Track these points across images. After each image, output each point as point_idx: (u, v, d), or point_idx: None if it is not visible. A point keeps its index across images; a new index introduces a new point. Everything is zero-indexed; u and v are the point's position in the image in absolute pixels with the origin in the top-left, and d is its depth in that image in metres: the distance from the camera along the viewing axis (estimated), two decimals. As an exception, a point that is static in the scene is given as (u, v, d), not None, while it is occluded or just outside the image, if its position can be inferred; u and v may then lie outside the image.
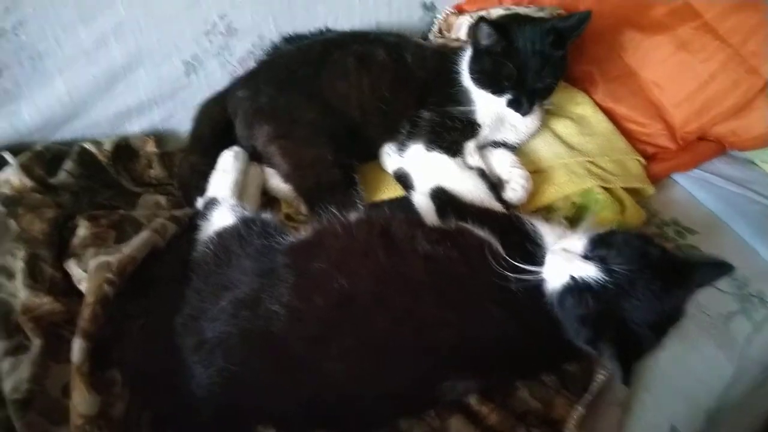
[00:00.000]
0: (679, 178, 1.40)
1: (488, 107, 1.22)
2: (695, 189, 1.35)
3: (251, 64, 1.38)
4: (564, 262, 0.84)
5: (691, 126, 1.35)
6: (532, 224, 0.98)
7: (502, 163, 1.23)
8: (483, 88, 1.19)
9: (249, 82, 1.30)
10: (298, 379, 0.79)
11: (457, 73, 1.24)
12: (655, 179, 1.34)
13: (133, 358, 0.86)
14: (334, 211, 0.96)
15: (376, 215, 0.96)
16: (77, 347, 0.77)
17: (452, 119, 1.21)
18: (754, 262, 1.20)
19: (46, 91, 1.18)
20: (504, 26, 1.14)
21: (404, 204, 1.16)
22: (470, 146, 1.22)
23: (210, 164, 1.19)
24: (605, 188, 1.21)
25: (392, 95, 1.24)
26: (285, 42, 1.40)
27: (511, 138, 1.28)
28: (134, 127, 1.33)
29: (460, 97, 1.22)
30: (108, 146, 1.23)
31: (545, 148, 1.30)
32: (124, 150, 1.26)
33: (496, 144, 1.28)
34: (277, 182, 1.23)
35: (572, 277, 0.83)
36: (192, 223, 1.08)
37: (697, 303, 1.02)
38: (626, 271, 0.80)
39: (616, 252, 0.82)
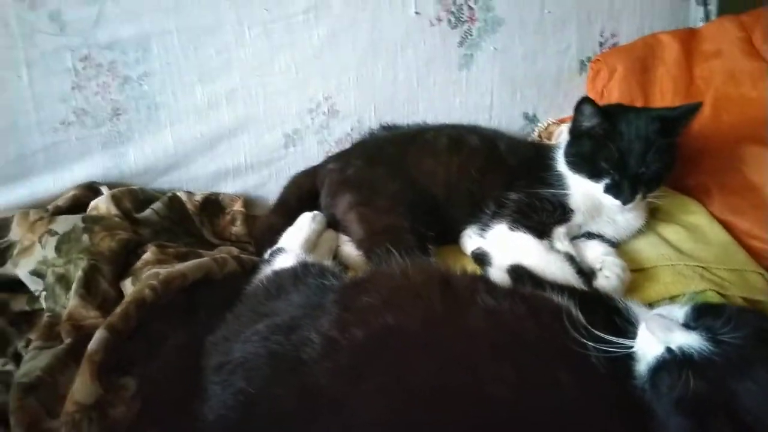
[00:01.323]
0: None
1: (583, 193, 1.14)
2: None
3: (347, 146, 1.45)
4: (659, 329, 0.69)
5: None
6: (623, 302, 0.85)
7: (596, 251, 1.12)
8: (579, 173, 1.13)
9: (341, 157, 1.35)
10: (319, 413, 0.68)
11: (552, 159, 1.21)
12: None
13: (154, 374, 0.80)
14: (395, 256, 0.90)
15: (438, 263, 0.88)
16: (97, 336, 0.74)
17: (541, 200, 1.14)
18: None
19: (156, 139, 1.31)
20: (607, 110, 1.10)
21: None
22: (560, 231, 1.13)
23: (288, 225, 1.21)
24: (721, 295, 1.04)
25: (481, 176, 1.22)
26: (382, 129, 1.47)
27: (609, 232, 1.17)
28: (228, 188, 1.41)
29: (552, 180, 1.17)
30: (198, 197, 1.30)
31: (649, 249, 1.17)
32: (213, 204, 1.32)
33: (592, 236, 1.18)
34: (349, 249, 1.21)
35: (669, 349, 0.68)
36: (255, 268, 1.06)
37: None
38: (739, 342, 0.63)
39: (726, 321, 0.66)
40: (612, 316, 0.80)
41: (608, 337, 0.73)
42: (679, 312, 0.72)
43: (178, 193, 1.29)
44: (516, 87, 1.58)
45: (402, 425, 0.66)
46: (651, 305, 1.03)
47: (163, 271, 0.88)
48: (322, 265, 0.97)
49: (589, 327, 0.75)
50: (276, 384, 0.71)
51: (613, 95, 1.51)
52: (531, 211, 1.13)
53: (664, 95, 1.50)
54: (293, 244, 1.12)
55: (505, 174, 1.23)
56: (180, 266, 0.90)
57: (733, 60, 1.39)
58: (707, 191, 1.34)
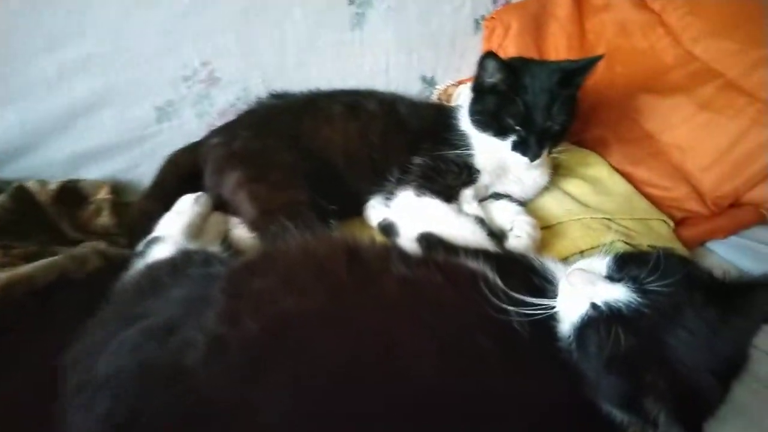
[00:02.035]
0: (717, 246, 1.21)
1: (489, 152, 1.09)
2: (738, 257, 1.16)
3: (232, 118, 1.30)
4: (582, 283, 0.64)
5: (723, 190, 1.20)
6: (540, 261, 0.80)
7: (505, 212, 1.08)
8: (484, 131, 1.08)
9: (226, 129, 1.21)
10: (214, 425, 0.57)
11: (455, 119, 1.15)
12: (687, 247, 1.16)
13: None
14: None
15: (342, 234, 0.79)
16: None
17: (446, 162, 1.08)
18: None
19: (-7, 119, 1.09)
20: (511, 64, 1.05)
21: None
22: (467, 193, 1.08)
23: (166, 211, 1.06)
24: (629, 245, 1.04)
25: (382, 142, 1.14)
26: (272, 97, 1.34)
27: (516, 191, 1.14)
28: (92, 173, 1.21)
29: (456, 140, 1.11)
30: (53, 186, 1.11)
31: (555, 205, 1.15)
32: (71, 193, 1.13)
33: (499, 197, 1.14)
34: (241, 232, 1.08)
35: (594, 305, 0.64)
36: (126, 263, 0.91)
37: (754, 373, 0.81)
38: (668, 290, 0.60)
39: (652, 269, 0.62)
40: (529, 277, 0.76)
41: (528, 299, 0.68)
42: (601, 264, 0.68)
43: (28, 183, 1.09)
44: (412, 48, 1.51)
45: (319, 414, 0.56)
46: (563, 262, 1.01)
47: (3, 275, 0.71)
48: (207, 252, 0.84)
49: (508, 290, 0.69)
50: (152, 401, 0.59)
51: (510, 53, 1.48)
52: (436, 174, 1.07)
53: (558, 50, 1.50)
54: (172, 231, 0.97)
55: (408, 138, 1.15)
56: (25, 268, 0.74)
57: (622, 12, 1.41)
58: (605, 143, 1.35)
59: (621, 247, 1.03)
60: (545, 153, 1.07)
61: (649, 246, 1.05)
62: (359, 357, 0.59)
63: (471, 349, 0.62)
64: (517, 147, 1.05)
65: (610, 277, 0.65)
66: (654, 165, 1.27)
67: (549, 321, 0.69)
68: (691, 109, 1.25)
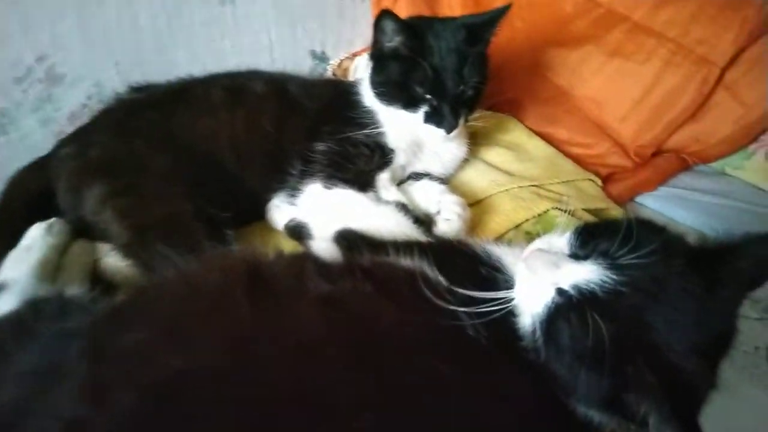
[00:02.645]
0: (647, 200, 1.17)
1: (400, 128, 0.97)
2: (670, 208, 1.13)
3: (85, 121, 1.08)
4: (543, 267, 0.53)
5: (645, 138, 1.17)
6: (481, 245, 0.69)
7: (429, 193, 0.96)
8: (392, 104, 0.95)
9: (79, 136, 0.99)
10: None
11: (357, 94, 1.01)
12: (618, 204, 1.11)
13: None
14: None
15: (241, 252, 0.63)
16: None
17: (354, 145, 0.94)
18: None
19: None
20: (411, 24, 0.93)
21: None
22: (383, 178, 0.95)
23: (13, 247, 0.84)
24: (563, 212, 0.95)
25: (275, 129, 0.98)
26: (133, 91, 1.12)
27: (436, 168, 1.02)
28: None
29: (361, 118, 0.97)
30: None
31: (479, 178, 1.05)
32: None
33: (419, 177, 1.02)
34: (112, 262, 0.88)
35: (560, 291, 0.53)
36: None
37: None
38: (645, 262, 0.50)
39: (624, 240, 0.52)
40: (474, 267, 0.64)
41: (479, 294, 0.56)
42: (560, 241, 0.58)
43: None
44: (295, 20, 1.35)
45: None
46: (501, 240, 0.91)
47: None
48: (63, 298, 0.65)
49: (454, 288, 0.57)
50: None
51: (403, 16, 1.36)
52: (345, 160, 0.93)
53: (453, 10, 1.40)
54: (18, 274, 0.77)
55: (305, 122, 1.00)
56: None
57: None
58: (519, 105, 1.27)
59: (556, 215, 0.94)
60: (462, 122, 0.95)
61: (584, 209, 0.98)
62: (276, 427, 0.44)
63: (425, 377, 0.49)
64: (430, 118, 0.93)
65: (575, 255, 0.55)
66: (572, 122, 1.21)
67: (508, 317, 0.58)
68: (601, 59, 1.20)
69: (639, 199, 1.17)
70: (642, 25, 1.16)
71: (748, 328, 0.82)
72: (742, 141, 1.14)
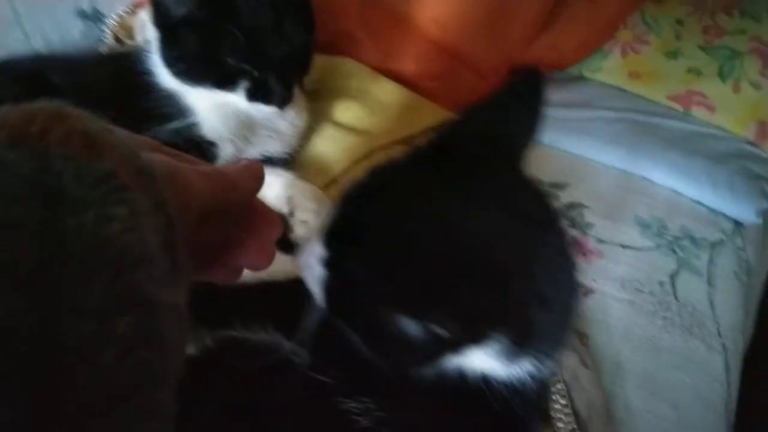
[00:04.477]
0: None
1: (219, 112, 0.78)
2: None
3: None
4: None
5: (498, 57, 1.07)
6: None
7: (271, 188, 0.80)
8: (199, 83, 0.75)
9: None
10: None
11: (149, 74, 0.78)
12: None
13: None
14: None
15: None
16: None
17: (161, 149, 0.73)
18: (654, 193, 0.93)
19: None
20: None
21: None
22: (211, 182, 0.76)
23: None
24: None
25: None
26: None
27: (274, 148, 0.85)
28: None
29: (163, 108, 0.76)
30: None
31: (332, 148, 0.91)
32: None
33: (256, 165, 0.84)
34: None
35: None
36: None
37: (623, 280, 0.73)
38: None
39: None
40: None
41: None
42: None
43: None
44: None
45: None
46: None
47: None
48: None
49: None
50: None
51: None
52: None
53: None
54: None
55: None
56: None
57: None
58: (355, 42, 1.11)
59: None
60: (296, 90, 0.79)
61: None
62: None
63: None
64: (255, 95, 0.75)
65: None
66: (418, 52, 1.08)
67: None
68: (436, -30, 1.06)
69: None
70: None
71: (646, 263, 0.81)
72: (599, 40, 1.09)
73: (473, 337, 0.41)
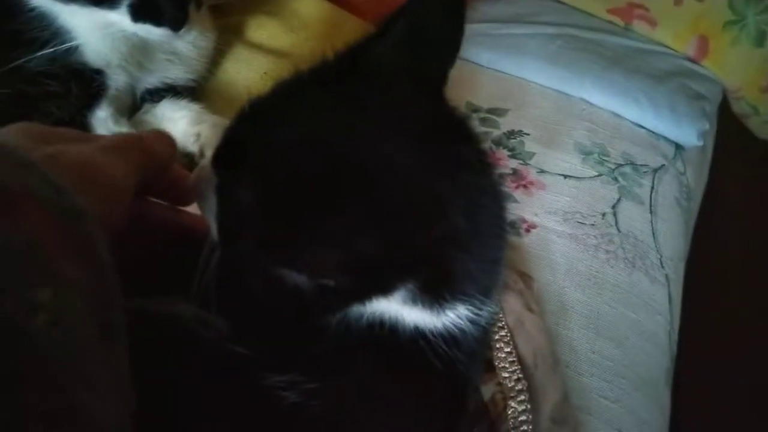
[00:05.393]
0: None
1: (105, 34, 0.66)
2: (477, 53, 0.99)
3: None
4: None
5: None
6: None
7: (177, 122, 0.71)
8: (74, 2, 0.63)
9: None
10: None
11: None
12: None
13: None
14: None
15: None
16: None
17: (33, 81, 0.62)
18: (594, 117, 0.90)
19: None
20: None
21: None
22: (102, 117, 0.67)
23: None
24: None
25: None
26: None
27: (177, 74, 0.75)
28: None
29: (34, 31, 0.64)
30: None
31: (245, 72, 0.81)
32: None
33: (159, 94, 0.74)
34: None
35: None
36: None
37: (565, 212, 0.70)
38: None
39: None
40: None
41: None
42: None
43: None
44: None
45: None
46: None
47: None
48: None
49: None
50: None
51: None
52: (24, 110, 0.61)
53: None
54: None
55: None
56: None
57: None
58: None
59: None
60: (192, 7, 0.68)
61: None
62: None
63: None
64: (142, 14, 0.64)
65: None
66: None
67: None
68: None
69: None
70: None
71: (587, 193, 0.77)
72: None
73: (372, 287, 0.36)
